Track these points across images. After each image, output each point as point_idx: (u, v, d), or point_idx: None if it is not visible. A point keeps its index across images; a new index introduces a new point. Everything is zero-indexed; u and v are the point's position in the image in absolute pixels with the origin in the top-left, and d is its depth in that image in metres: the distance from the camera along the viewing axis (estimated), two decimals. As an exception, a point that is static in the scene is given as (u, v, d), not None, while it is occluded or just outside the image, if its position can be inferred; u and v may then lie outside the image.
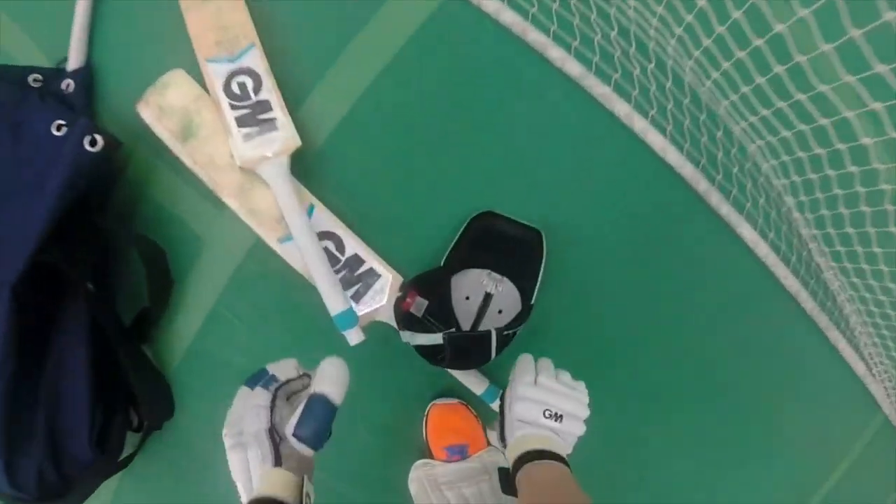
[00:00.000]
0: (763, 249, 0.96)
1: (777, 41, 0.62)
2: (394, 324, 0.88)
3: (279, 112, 0.88)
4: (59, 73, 1.00)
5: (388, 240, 0.92)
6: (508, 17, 0.86)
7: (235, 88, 0.89)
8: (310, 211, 0.90)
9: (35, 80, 1.00)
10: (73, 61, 0.99)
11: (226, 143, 0.87)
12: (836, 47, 0.56)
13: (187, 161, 0.88)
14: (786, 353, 1.05)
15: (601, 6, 0.83)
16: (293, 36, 0.92)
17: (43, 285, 0.87)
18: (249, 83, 0.89)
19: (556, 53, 0.86)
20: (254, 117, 0.87)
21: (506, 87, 0.90)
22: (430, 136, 0.92)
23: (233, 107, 0.87)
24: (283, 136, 0.87)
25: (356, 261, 0.90)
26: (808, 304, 1.01)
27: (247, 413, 0.63)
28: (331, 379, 0.65)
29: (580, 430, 0.67)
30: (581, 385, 0.71)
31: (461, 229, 0.88)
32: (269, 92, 0.88)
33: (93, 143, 0.86)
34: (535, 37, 0.86)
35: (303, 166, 0.90)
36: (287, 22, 0.92)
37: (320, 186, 0.91)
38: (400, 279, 0.89)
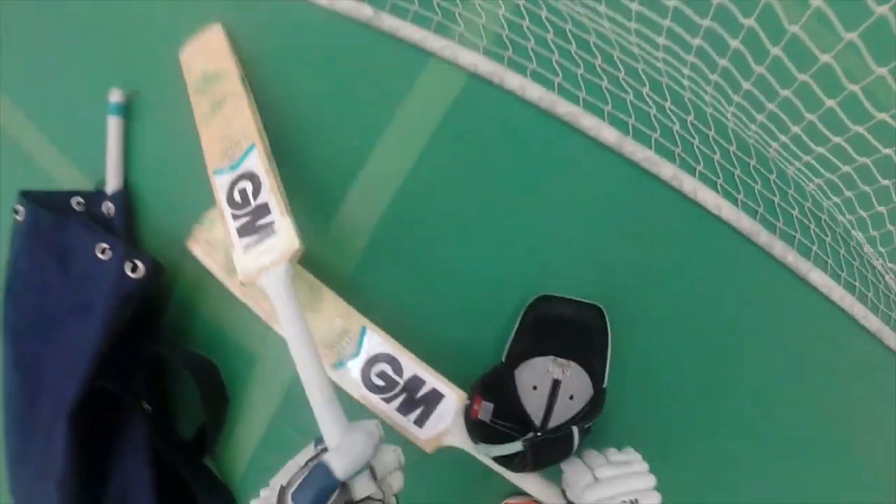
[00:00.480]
0: (838, 293, 0.90)
1: (825, 73, 0.59)
2: (462, 446, 0.82)
3: (277, 214, 0.79)
4: (99, 195, 1.04)
5: (444, 345, 0.89)
6: (535, 93, 0.85)
7: (237, 196, 0.83)
8: (361, 335, 0.86)
9: (78, 204, 1.04)
10: (111, 183, 1.02)
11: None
12: (891, 69, 0.53)
13: (235, 292, 0.87)
14: (880, 396, 0.97)
15: (628, 63, 0.82)
16: (317, 144, 0.93)
17: (99, 410, 0.87)
18: (249, 188, 0.83)
19: (588, 122, 0.84)
20: (253, 224, 0.81)
21: (542, 163, 0.89)
22: (471, 225, 0.90)
23: (234, 217, 0.82)
24: (281, 241, 0.78)
25: (416, 382, 0.84)
26: (893, 340, 0.94)
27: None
28: (343, 449, 0.61)
29: (657, 499, 0.64)
30: (632, 453, 0.69)
31: (518, 318, 0.85)
32: (268, 193, 0.81)
33: (134, 269, 0.87)
34: (565, 109, 0.84)
35: (343, 283, 0.89)
36: (309, 129, 0.93)
37: (367, 304, 0.88)
38: (464, 396, 0.83)
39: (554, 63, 0.86)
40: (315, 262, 0.90)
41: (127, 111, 1.06)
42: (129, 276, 0.86)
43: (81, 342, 0.88)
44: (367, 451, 0.61)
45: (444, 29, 0.91)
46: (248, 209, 0.81)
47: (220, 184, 0.85)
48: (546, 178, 0.88)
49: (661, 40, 0.71)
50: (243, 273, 0.79)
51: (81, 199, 1.02)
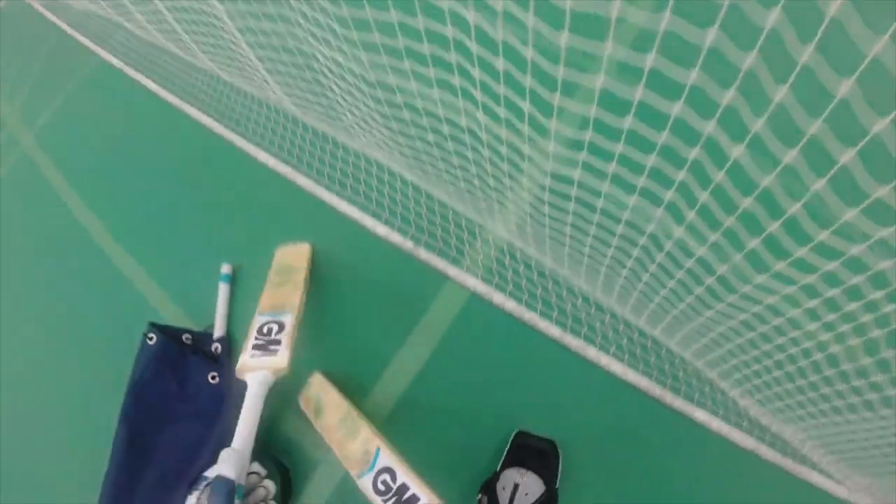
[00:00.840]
0: (716, 423, 1.40)
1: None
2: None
3: (284, 343, 1.35)
4: (206, 336, 1.64)
5: (449, 461, 1.39)
6: (510, 305, 1.43)
7: (265, 330, 1.40)
8: (376, 454, 1.25)
9: (186, 338, 1.64)
10: (219, 331, 1.63)
11: (334, 413, 1.38)
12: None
13: (318, 429, 1.39)
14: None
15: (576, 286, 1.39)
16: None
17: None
18: (275, 328, 1.41)
19: (542, 324, 1.41)
20: (266, 347, 1.36)
21: (513, 354, 1.45)
22: (469, 392, 1.45)
23: (255, 345, 1.38)
24: (276, 360, 1.32)
25: (404, 488, 1.17)
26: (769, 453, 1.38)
27: None
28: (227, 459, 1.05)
29: None
30: None
31: (506, 448, 1.37)
32: (286, 331, 1.37)
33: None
34: (528, 315, 1.42)
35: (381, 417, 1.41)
36: (350, 321, 1.52)
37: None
38: (436, 500, 1.17)
39: (523, 285, 1.45)
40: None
41: (230, 278, 1.69)
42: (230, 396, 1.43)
43: (195, 438, 1.47)
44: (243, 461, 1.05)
45: (457, 261, 1.51)
46: (267, 339, 1.39)
47: (258, 322, 1.44)
48: (514, 365, 1.45)
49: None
50: (241, 364, 1.34)
51: (190, 336, 1.63)
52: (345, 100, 1.30)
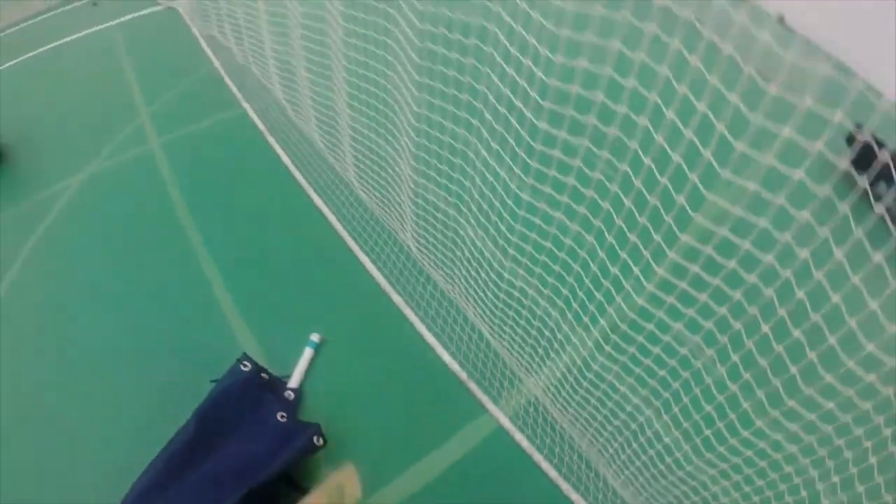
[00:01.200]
0: None
1: None
2: None
3: None
4: (281, 381, 2.04)
5: None
6: (523, 440, 1.91)
7: None
8: None
9: (262, 375, 2.03)
10: (294, 381, 2.03)
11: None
12: None
13: None
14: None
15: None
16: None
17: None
18: None
19: (545, 466, 1.85)
20: None
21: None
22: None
23: None
24: None
25: None
26: None
27: None
28: None
29: None
30: None
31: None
32: None
33: (317, 440, 1.82)
34: (538, 457, 1.89)
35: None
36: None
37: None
38: None
39: (537, 433, 1.94)
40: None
41: (318, 345, 2.11)
42: (314, 444, 1.81)
43: (249, 458, 1.80)
44: None
45: (495, 400, 1.97)
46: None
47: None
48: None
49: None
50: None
51: (266, 376, 2.02)
52: (466, 272, 1.86)
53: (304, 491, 1.75)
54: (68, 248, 2.77)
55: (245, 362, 2.04)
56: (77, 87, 3.88)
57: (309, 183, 2.74)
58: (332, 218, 2.56)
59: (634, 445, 1.55)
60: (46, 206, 3.00)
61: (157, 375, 2.18)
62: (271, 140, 3.02)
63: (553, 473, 1.81)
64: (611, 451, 1.64)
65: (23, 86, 3.96)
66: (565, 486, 1.79)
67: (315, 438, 1.85)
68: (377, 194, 2.32)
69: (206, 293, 2.40)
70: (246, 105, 3.32)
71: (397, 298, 2.26)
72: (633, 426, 1.55)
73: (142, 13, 4.62)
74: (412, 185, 2.03)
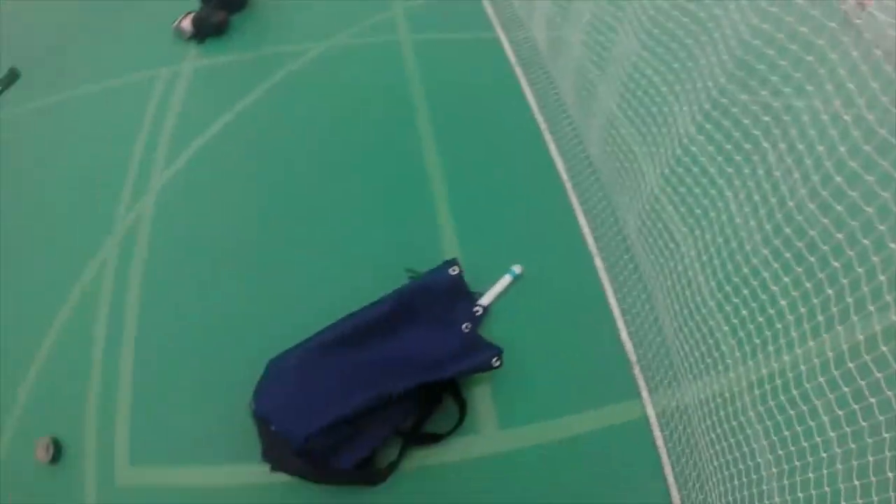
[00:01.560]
0: None
1: None
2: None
3: None
4: (473, 296, 2.26)
5: None
6: None
7: None
8: None
9: (452, 270, 2.26)
10: (485, 299, 2.25)
11: None
12: None
13: None
14: None
15: None
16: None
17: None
18: None
19: None
20: None
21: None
22: None
23: None
24: None
25: None
26: None
27: None
28: None
29: None
30: None
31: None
32: None
33: (495, 361, 2.03)
34: None
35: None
36: None
37: None
38: None
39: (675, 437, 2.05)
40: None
41: (517, 276, 2.32)
42: (492, 365, 2.03)
43: (429, 356, 2.03)
44: None
45: (652, 391, 2.11)
46: None
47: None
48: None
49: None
50: None
51: (456, 269, 2.25)
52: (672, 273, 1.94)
53: (463, 402, 2.00)
54: (291, 108, 3.11)
55: (454, 267, 2.27)
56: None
57: (548, 128, 2.86)
58: (561, 169, 2.70)
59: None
60: (279, 63, 3.36)
61: (354, 251, 2.48)
62: (519, 73, 3.16)
63: (671, 479, 1.90)
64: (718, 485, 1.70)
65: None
66: (675, 496, 1.87)
67: (494, 359, 2.05)
68: (614, 166, 2.40)
69: (426, 195, 2.67)
70: (501, 32, 3.45)
71: (599, 263, 2.40)
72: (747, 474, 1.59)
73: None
74: (657, 183, 2.09)
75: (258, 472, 1.93)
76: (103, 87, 3.44)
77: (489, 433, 2.03)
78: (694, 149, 1.86)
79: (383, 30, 3.56)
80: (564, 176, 2.65)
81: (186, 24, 3.71)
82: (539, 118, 2.88)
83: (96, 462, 2.12)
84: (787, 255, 1.48)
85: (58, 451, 2.16)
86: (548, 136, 2.80)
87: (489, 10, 3.60)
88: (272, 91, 3.23)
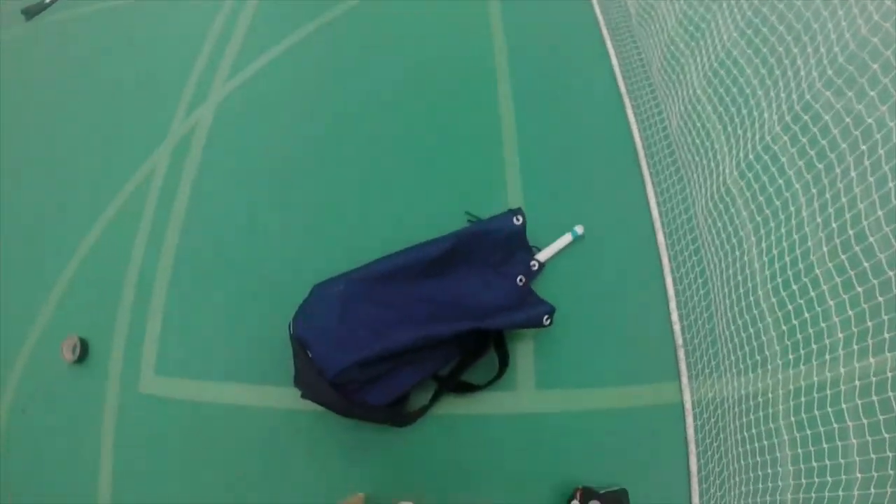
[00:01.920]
0: None
1: None
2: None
3: None
4: (535, 249, 2.29)
5: None
6: None
7: None
8: None
9: (516, 219, 2.25)
10: (543, 255, 2.28)
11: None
12: None
13: None
14: None
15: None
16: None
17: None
18: None
19: None
20: None
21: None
22: None
23: None
24: None
25: None
26: None
27: None
28: None
29: None
30: None
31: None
32: None
33: (546, 319, 2.07)
34: None
35: None
36: None
37: None
38: None
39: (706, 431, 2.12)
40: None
41: (578, 237, 2.33)
42: (543, 324, 2.06)
43: (482, 302, 2.07)
44: None
45: (693, 377, 2.17)
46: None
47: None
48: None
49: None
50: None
51: (520, 218, 2.23)
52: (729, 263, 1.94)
53: (506, 355, 2.04)
54: (367, 36, 3.11)
55: (518, 216, 2.24)
56: None
57: (628, 93, 2.81)
58: (636, 137, 2.66)
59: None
60: None
61: (414, 188, 2.52)
62: (606, 35, 3.08)
63: (693, 469, 1.95)
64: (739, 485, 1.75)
65: None
66: (695, 488, 1.92)
67: (545, 317, 2.06)
68: (692, 143, 2.36)
69: (495, 142, 2.67)
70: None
71: (661, 239, 2.40)
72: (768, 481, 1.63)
73: None
74: (731, 173, 2.06)
75: (286, 397, 2.05)
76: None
77: (525, 391, 2.11)
78: (775, 147, 1.83)
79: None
80: (639, 144, 2.62)
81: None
82: (620, 82, 2.83)
83: (122, 367, 2.30)
84: (851, 272, 1.48)
85: (84, 352, 2.34)
86: (627, 101, 2.75)
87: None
88: (351, 15, 3.23)
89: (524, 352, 2.17)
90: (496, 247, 2.20)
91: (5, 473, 2.22)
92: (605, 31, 3.08)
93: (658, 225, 2.45)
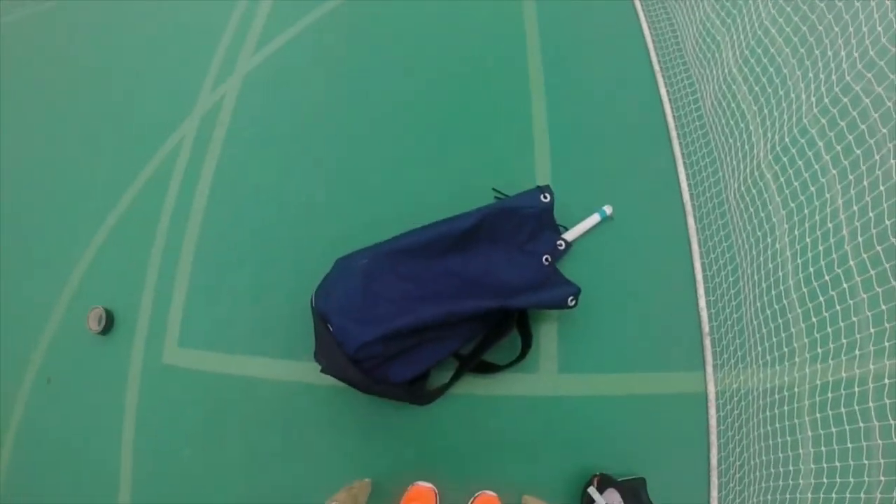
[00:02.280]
0: None
1: None
2: None
3: None
4: (562, 229, 2.25)
5: None
6: None
7: None
8: None
9: (544, 197, 2.21)
10: (570, 235, 2.25)
11: None
12: None
13: None
14: None
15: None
16: None
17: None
18: None
19: None
20: None
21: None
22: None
23: None
24: None
25: None
26: None
27: None
28: None
29: None
30: None
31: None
32: None
33: (571, 301, 2.02)
34: None
35: None
36: None
37: None
38: None
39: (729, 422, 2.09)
40: None
41: (606, 218, 2.29)
42: (568, 305, 2.02)
43: (507, 280, 2.03)
44: None
45: (718, 367, 2.14)
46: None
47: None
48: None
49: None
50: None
51: (548, 196, 2.19)
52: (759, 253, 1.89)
53: (529, 336, 2.02)
54: (397, 11, 3.07)
55: (546, 194, 2.21)
56: None
57: (662, 71, 2.74)
58: (669, 117, 2.59)
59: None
60: None
61: (440, 163, 2.50)
62: (639, 8, 2.99)
63: (714, 462, 1.93)
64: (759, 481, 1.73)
65: None
66: (714, 480, 1.89)
67: (570, 298, 2.01)
68: (726, 124, 2.29)
69: (524, 118, 2.63)
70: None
71: (691, 222, 2.34)
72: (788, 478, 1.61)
73: None
74: (765, 157, 2.00)
75: (307, 372, 2.09)
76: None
77: (546, 374, 2.11)
78: (812, 131, 1.77)
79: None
80: (671, 124, 2.55)
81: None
82: (654, 59, 2.75)
83: (146, 338, 2.37)
84: (886, 265, 1.43)
85: (109, 323, 2.41)
86: (660, 80, 2.68)
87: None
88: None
89: (547, 333, 2.16)
90: (523, 224, 2.17)
91: (30, 441, 2.31)
92: (638, 5, 2.99)
93: (689, 208, 2.40)
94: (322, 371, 1.90)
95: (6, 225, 2.77)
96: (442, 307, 1.84)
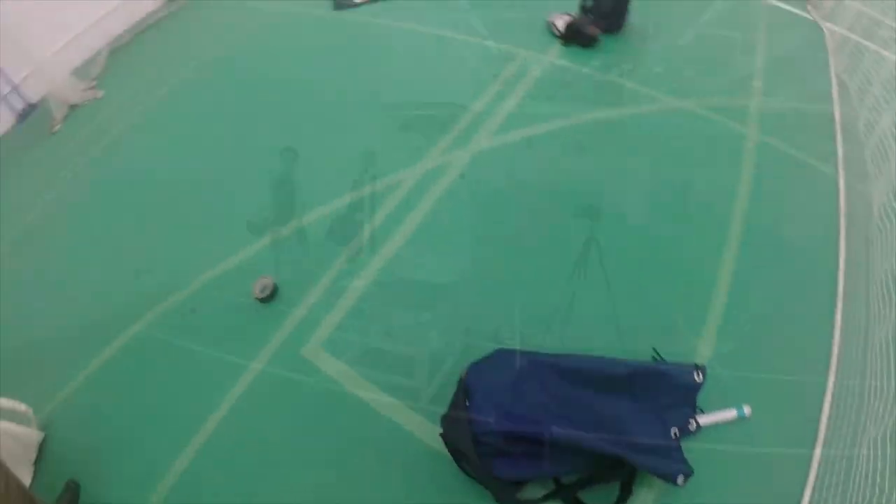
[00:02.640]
0: None
1: None
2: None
3: None
4: (695, 409, 2.28)
5: None
6: None
7: None
8: None
9: (697, 377, 2.30)
10: (702, 420, 2.26)
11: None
12: None
13: None
14: None
15: None
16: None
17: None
18: None
19: None
20: None
21: None
22: None
23: None
24: None
25: None
26: None
27: None
28: None
29: None
30: None
31: None
32: None
33: (680, 479, 2.06)
34: None
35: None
36: None
37: None
38: None
39: None
40: None
41: (743, 417, 2.25)
42: (670, 462, 2.08)
43: (646, 431, 2.12)
44: None
45: None
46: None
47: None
48: None
49: None
50: None
51: (701, 376, 2.29)
52: None
53: (629, 492, 2.07)
54: (617, 146, 3.35)
55: (700, 373, 2.30)
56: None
57: (843, 300, 2.73)
58: (836, 345, 2.57)
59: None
60: (626, 99, 3.67)
61: (613, 306, 2.61)
62: (842, 224, 3.01)
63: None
64: None
65: None
66: None
67: (680, 477, 2.04)
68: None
69: (705, 291, 2.70)
70: (841, 171, 3.29)
71: (817, 452, 2.27)
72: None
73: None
74: None
75: (422, 427, 2.22)
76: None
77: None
78: None
79: (733, 114, 3.55)
80: (835, 350, 2.53)
81: (560, 23, 4.10)
82: (840, 283, 2.77)
83: (298, 324, 2.55)
84: None
85: (271, 296, 2.61)
86: (839, 305, 2.68)
87: (839, 145, 3.41)
88: (608, 122, 3.49)
89: (645, 497, 2.16)
90: (668, 391, 2.26)
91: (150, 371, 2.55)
92: (842, 221, 3.03)
93: (821, 437, 2.34)
94: (441, 435, 2.09)
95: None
96: (571, 434, 1.99)
